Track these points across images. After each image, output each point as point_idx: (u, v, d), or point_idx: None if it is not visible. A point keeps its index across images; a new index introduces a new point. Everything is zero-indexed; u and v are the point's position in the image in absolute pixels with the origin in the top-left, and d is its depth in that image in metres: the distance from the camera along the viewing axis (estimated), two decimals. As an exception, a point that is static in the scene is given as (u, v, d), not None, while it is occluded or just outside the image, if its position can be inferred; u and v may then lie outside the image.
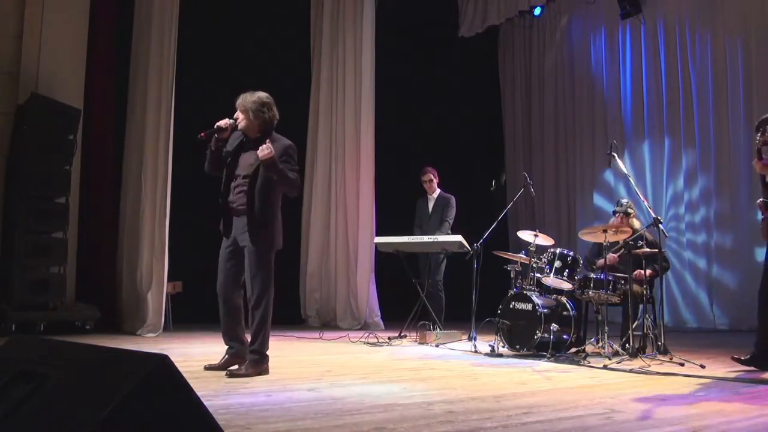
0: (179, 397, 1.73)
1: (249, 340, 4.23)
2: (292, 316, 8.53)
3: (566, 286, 5.48)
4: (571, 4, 10.58)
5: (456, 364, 4.91)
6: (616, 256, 5.67)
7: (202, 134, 4.18)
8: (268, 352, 4.20)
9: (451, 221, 7.20)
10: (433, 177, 7.39)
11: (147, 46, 7.22)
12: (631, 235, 5.45)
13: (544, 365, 4.81)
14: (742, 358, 4.57)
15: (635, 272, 5.46)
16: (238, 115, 4.24)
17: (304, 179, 8.84)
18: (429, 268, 6.94)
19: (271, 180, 4.12)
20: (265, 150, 4.02)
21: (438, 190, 7.42)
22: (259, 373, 4.10)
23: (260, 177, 4.13)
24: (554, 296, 5.54)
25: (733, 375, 4.37)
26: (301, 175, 8.54)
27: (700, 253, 8.74)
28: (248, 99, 4.21)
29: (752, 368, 4.51)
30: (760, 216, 4.63)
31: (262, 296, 4.14)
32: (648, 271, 5.43)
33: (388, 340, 6.36)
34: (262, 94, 4.26)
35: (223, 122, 4.20)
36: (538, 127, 10.99)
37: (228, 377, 4.00)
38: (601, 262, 5.41)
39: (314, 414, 2.96)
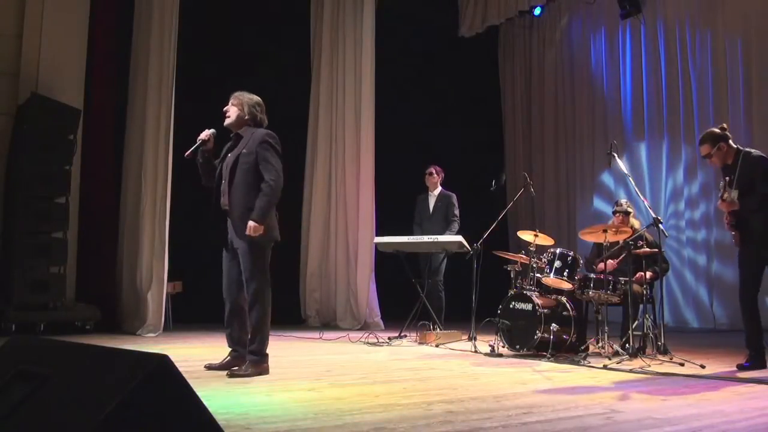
0: (179, 397, 1.73)
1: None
2: (292, 316, 8.53)
3: (566, 286, 5.47)
4: (571, 4, 10.58)
5: (456, 364, 4.91)
6: (615, 262, 5.66)
7: (188, 153, 4.27)
8: (267, 352, 4.20)
9: (458, 220, 7.20)
10: (434, 172, 7.39)
11: (147, 46, 7.23)
12: (631, 235, 5.45)
13: (544, 365, 4.81)
14: (745, 364, 4.54)
15: (636, 275, 5.46)
16: (229, 107, 4.31)
17: (303, 179, 8.87)
18: (429, 268, 6.94)
19: (249, 176, 4.14)
20: (250, 231, 4.03)
21: (439, 188, 7.41)
22: (259, 373, 4.11)
23: (237, 173, 4.16)
24: (554, 296, 5.54)
25: (733, 375, 4.37)
26: (300, 174, 8.69)
27: (700, 249, 8.74)
28: (246, 95, 4.36)
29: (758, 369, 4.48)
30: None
31: (257, 296, 4.15)
32: (648, 274, 5.44)
33: (388, 340, 6.36)
34: (259, 98, 4.39)
35: (204, 134, 4.28)
36: (538, 127, 10.99)
37: (228, 377, 4.01)
38: (601, 266, 5.41)
39: (314, 414, 2.96)
